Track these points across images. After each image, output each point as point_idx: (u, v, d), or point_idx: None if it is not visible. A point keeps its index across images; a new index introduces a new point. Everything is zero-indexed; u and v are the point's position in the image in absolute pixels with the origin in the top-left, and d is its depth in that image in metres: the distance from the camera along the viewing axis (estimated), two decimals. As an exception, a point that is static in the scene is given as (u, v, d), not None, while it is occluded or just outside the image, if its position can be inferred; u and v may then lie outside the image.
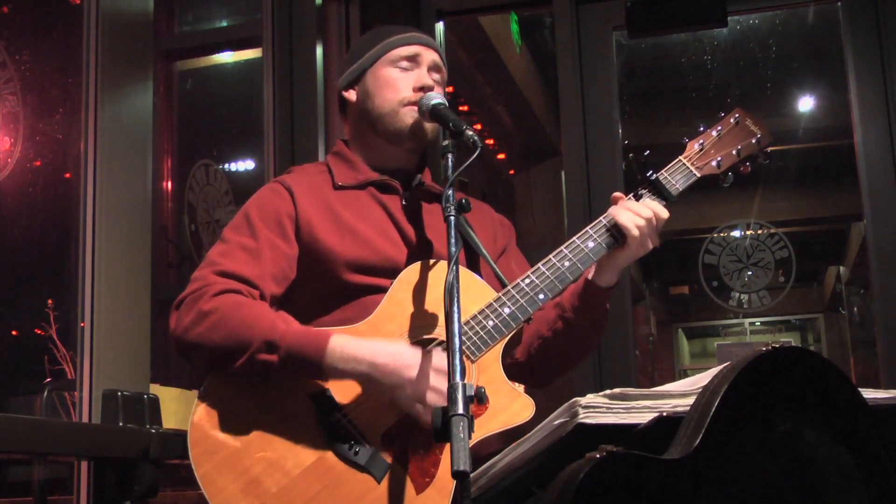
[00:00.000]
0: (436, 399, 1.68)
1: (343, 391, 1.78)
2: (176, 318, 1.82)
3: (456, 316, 1.50)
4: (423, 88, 2.00)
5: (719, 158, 2.01)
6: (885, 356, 3.26)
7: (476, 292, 1.86)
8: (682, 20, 3.59)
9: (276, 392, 1.78)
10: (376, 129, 2.04)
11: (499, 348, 1.82)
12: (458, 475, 1.32)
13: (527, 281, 1.86)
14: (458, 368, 1.42)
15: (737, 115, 2.06)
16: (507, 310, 1.83)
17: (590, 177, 3.51)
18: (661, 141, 5.16)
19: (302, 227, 1.93)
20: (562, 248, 1.89)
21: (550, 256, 1.89)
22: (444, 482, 1.70)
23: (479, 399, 1.42)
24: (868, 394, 1.39)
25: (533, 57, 5.55)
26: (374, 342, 1.76)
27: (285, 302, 1.95)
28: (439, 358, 1.72)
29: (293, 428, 1.75)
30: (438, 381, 1.69)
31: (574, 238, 1.90)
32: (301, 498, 1.70)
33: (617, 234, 1.89)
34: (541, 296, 1.84)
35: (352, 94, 2.09)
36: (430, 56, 2.05)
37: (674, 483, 1.23)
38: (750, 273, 3.84)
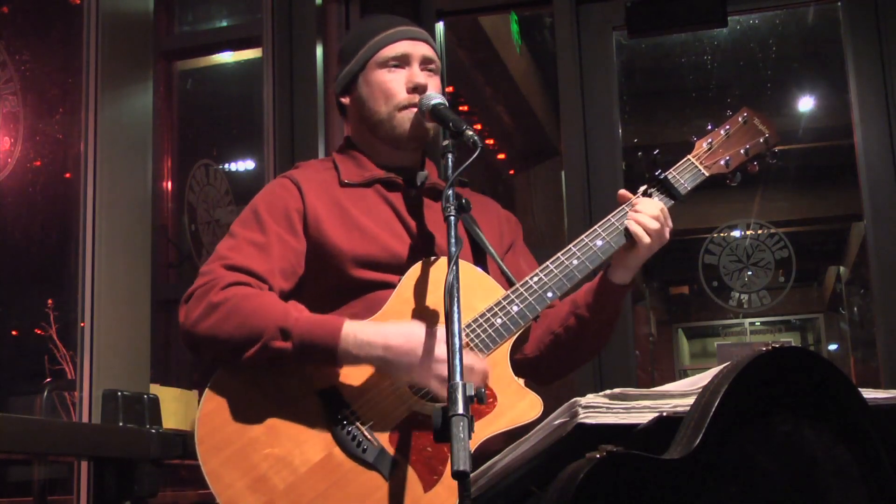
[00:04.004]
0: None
1: (351, 388, 1.78)
2: (185, 311, 1.81)
3: (456, 316, 1.50)
4: (417, 88, 1.99)
5: (727, 158, 2.01)
6: (885, 356, 3.26)
7: (484, 289, 1.86)
8: (682, 20, 3.59)
9: (284, 388, 1.78)
10: (377, 134, 2.03)
11: (507, 346, 1.83)
12: (458, 475, 1.32)
13: (535, 279, 1.86)
14: (458, 368, 1.42)
15: (745, 115, 2.06)
16: (515, 307, 1.83)
17: (590, 177, 3.51)
18: (661, 141, 5.16)
19: (310, 222, 1.93)
20: (570, 246, 1.90)
21: (559, 254, 1.89)
22: (451, 480, 1.70)
23: (479, 399, 1.42)
24: (868, 394, 1.39)
25: (533, 57, 5.55)
26: (385, 325, 1.77)
27: (293, 298, 1.95)
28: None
29: (301, 425, 1.75)
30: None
31: (583, 236, 1.91)
32: (308, 495, 1.70)
33: (626, 233, 1.89)
34: (549, 294, 1.85)
35: (347, 101, 2.09)
36: (419, 51, 2.03)
37: (674, 483, 1.23)
38: (750, 273, 3.84)
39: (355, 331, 1.74)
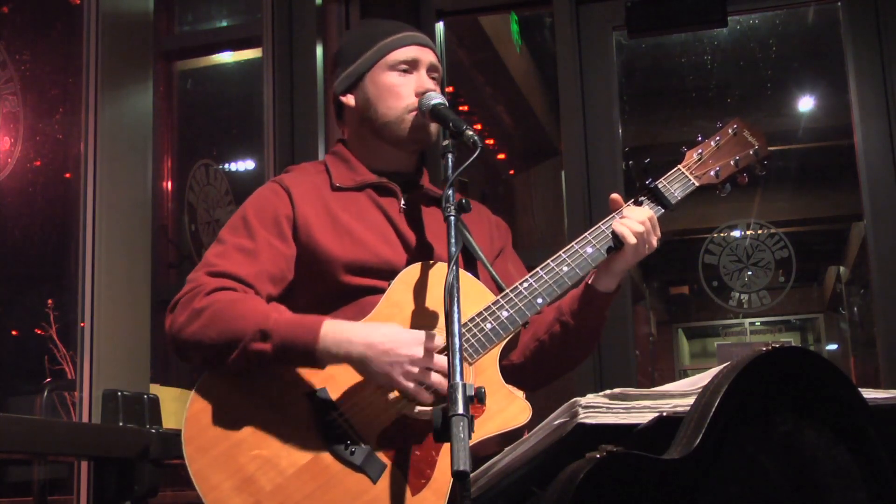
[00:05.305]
0: (433, 379, 1.69)
1: (340, 390, 1.77)
2: (171, 318, 1.82)
3: (456, 316, 1.50)
4: (426, 93, 2.00)
5: (717, 168, 2.03)
6: (885, 356, 3.26)
7: (474, 295, 1.86)
8: (682, 20, 3.59)
9: (272, 390, 1.77)
10: (381, 135, 2.03)
11: (496, 351, 1.82)
12: (458, 475, 1.32)
13: (525, 285, 1.86)
14: (458, 368, 1.42)
15: (735, 126, 2.07)
16: (505, 313, 1.83)
17: (590, 177, 3.51)
18: (661, 141, 5.16)
19: (300, 229, 1.92)
20: (560, 253, 1.90)
21: (549, 261, 1.89)
22: (440, 483, 1.70)
23: (479, 399, 1.42)
24: (868, 394, 1.39)
25: (533, 57, 5.55)
26: (367, 325, 1.76)
27: (284, 303, 1.95)
28: (435, 338, 1.72)
29: (288, 426, 1.74)
30: (436, 360, 1.69)
31: (573, 243, 1.91)
32: (295, 497, 1.70)
33: (616, 239, 1.89)
34: (539, 300, 1.85)
35: (350, 100, 2.07)
36: (427, 58, 2.05)
37: (674, 483, 1.23)
38: (750, 273, 3.84)
39: (335, 329, 1.73)
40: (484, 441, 1.73)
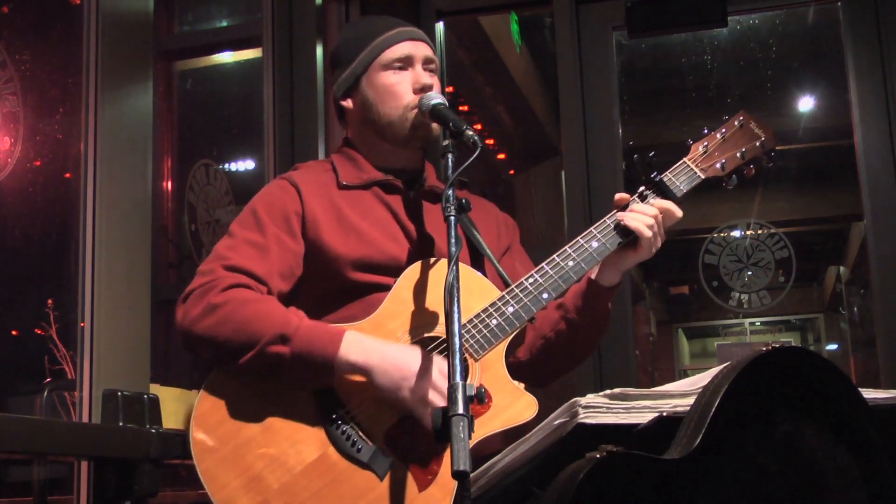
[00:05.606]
0: (439, 401, 1.69)
1: (346, 388, 1.78)
2: (183, 310, 1.81)
3: (456, 316, 1.50)
4: (423, 89, 2.00)
5: (723, 161, 2.02)
6: (885, 356, 3.26)
7: (480, 291, 1.87)
8: (682, 20, 3.59)
9: (279, 388, 1.78)
10: (383, 135, 2.03)
11: (502, 347, 1.83)
12: (458, 475, 1.32)
13: (531, 280, 1.86)
14: (458, 368, 1.42)
15: (741, 118, 2.06)
16: (510, 308, 1.83)
17: (590, 177, 3.51)
18: (662, 141, 5.16)
19: (308, 225, 1.93)
20: (566, 247, 1.90)
21: (554, 256, 1.89)
22: (446, 480, 1.71)
23: (479, 399, 1.42)
24: (868, 394, 1.39)
25: (533, 57, 5.55)
26: (387, 342, 1.77)
27: (291, 299, 1.95)
28: (444, 361, 1.72)
29: (296, 424, 1.75)
30: (443, 383, 1.69)
31: (578, 238, 1.91)
32: (303, 494, 1.70)
33: (622, 234, 1.89)
34: (545, 295, 1.85)
35: (350, 103, 2.08)
36: (421, 52, 2.04)
37: (674, 483, 1.23)
38: (750, 273, 3.84)
39: (357, 339, 1.75)
40: (488, 438, 1.73)
